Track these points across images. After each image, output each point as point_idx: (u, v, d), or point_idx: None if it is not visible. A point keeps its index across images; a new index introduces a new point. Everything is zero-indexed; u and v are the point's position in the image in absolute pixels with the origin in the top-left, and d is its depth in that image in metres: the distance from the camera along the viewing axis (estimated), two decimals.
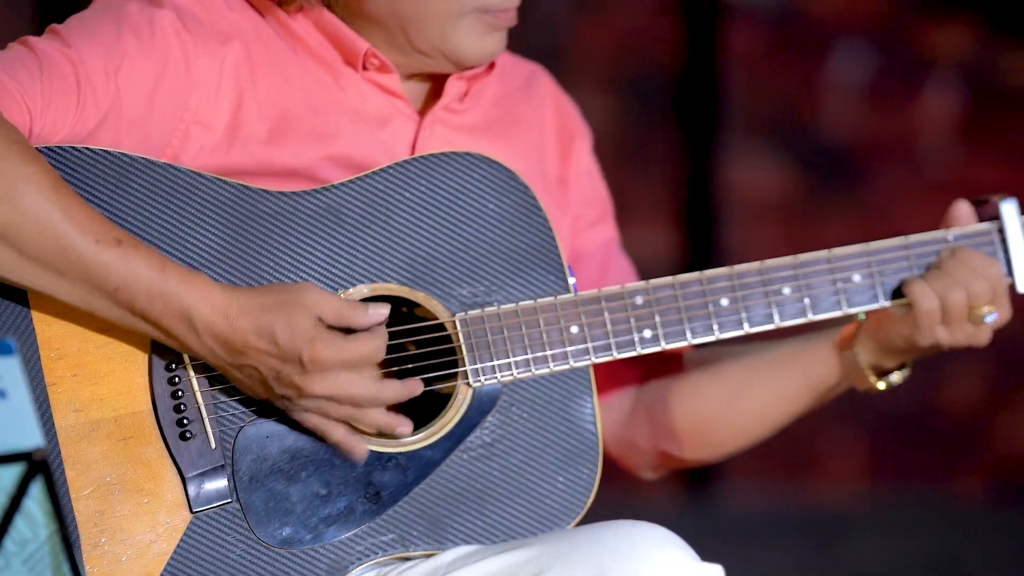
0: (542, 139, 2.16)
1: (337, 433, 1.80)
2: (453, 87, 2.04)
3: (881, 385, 1.99)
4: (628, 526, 1.79)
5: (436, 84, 2.09)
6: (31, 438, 1.15)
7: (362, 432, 1.81)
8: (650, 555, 1.68)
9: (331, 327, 1.77)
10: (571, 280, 1.92)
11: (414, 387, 1.81)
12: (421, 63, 2.05)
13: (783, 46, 5.94)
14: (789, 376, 2.09)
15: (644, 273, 2.05)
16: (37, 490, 1.17)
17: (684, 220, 5.75)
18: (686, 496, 5.16)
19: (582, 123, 2.23)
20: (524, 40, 2.20)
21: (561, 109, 2.20)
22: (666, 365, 2.18)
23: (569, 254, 2.13)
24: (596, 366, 2.12)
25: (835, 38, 5.93)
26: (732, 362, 2.14)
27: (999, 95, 5.88)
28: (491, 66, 2.06)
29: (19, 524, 1.19)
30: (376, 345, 1.81)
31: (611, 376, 2.17)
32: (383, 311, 1.82)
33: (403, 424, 1.83)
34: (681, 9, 5.86)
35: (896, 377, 1.99)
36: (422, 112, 2.07)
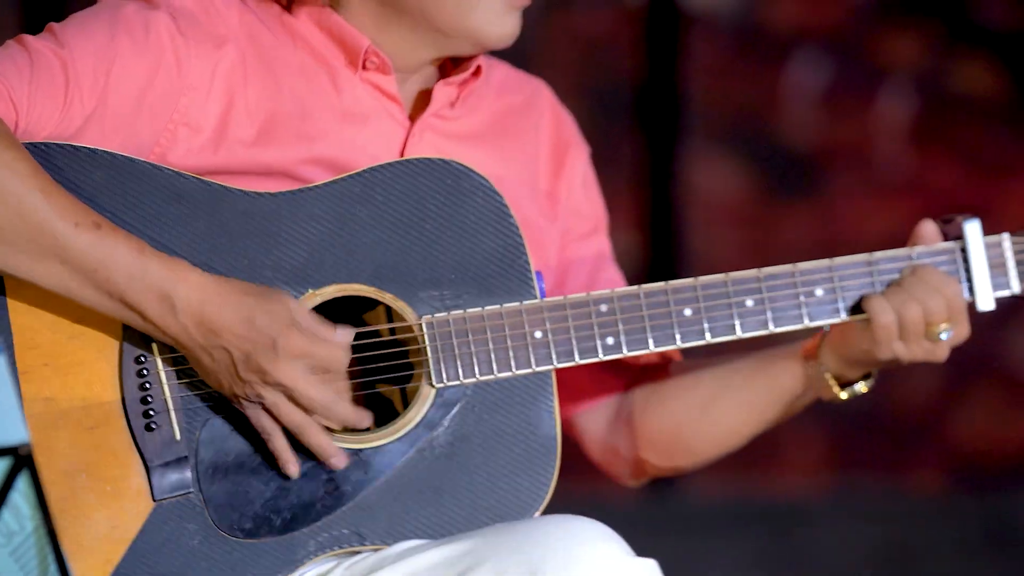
0: (536, 152, 2.17)
1: (278, 441, 1.81)
2: (442, 93, 2.05)
3: (844, 395, 2.00)
4: (564, 521, 1.80)
5: (431, 90, 2.10)
6: (16, 433, 1.16)
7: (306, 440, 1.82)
8: (584, 550, 1.69)
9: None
10: (541, 286, 1.93)
11: (364, 418, 1.83)
12: (443, 45, 2.05)
13: (742, 55, 5.95)
14: (757, 386, 2.10)
15: None
16: (23, 484, 1.18)
17: (647, 222, 5.76)
18: (649, 488, 5.16)
19: (579, 138, 2.24)
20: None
21: (559, 124, 2.21)
22: (650, 374, 2.19)
23: (558, 265, 2.15)
24: (581, 375, 2.14)
25: (792, 47, 5.95)
26: (705, 372, 2.16)
27: (950, 101, 5.91)
28: (478, 71, 2.07)
29: (5, 517, 1.20)
30: (340, 357, 1.82)
31: (596, 384, 2.18)
32: (349, 336, 1.83)
33: (337, 456, 1.85)
34: (643, 19, 5.88)
35: (860, 387, 2.00)
36: (413, 117, 2.08)
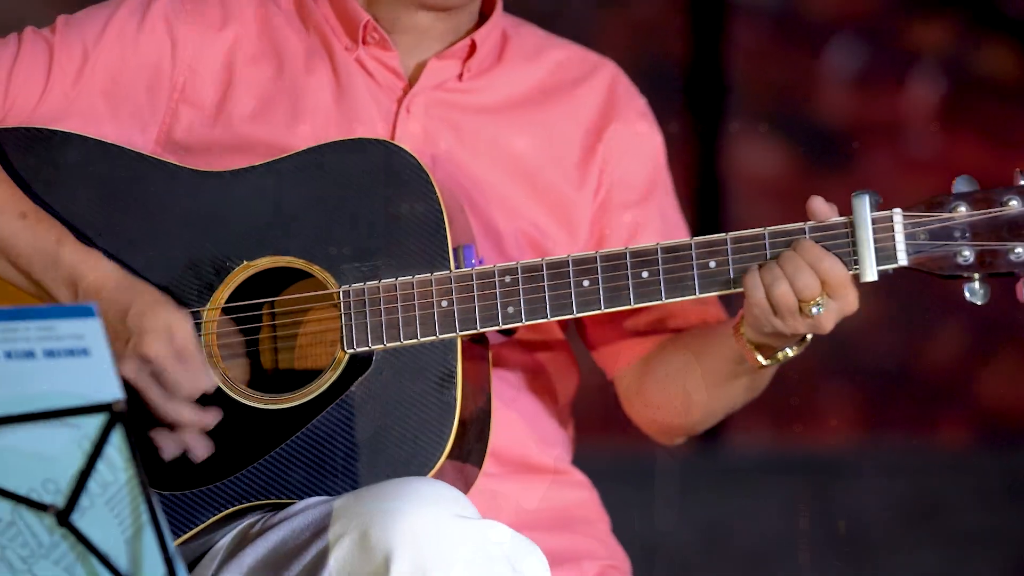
0: (575, 125, 2.13)
1: (152, 392, 1.79)
2: (437, 67, 2.03)
3: (765, 362, 1.94)
4: (407, 483, 1.76)
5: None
6: (112, 391, 1.16)
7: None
8: (408, 510, 1.63)
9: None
10: (470, 259, 1.91)
11: (208, 418, 1.82)
12: (393, 8, 2.02)
13: (782, 40, 5.92)
14: (712, 353, 2.06)
15: None
16: (117, 438, 1.18)
17: (694, 197, 5.75)
18: (694, 444, 5.16)
19: (632, 113, 2.19)
20: (556, 32, 2.19)
21: (612, 100, 2.17)
22: (667, 341, 2.15)
23: (591, 230, 2.11)
24: (616, 339, 2.11)
25: (828, 33, 5.89)
26: (683, 337, 2.13)
27: (976, 83, 5.83)
28: (472, 47, 2.04)
29: (101, 468, 1.19)
30: (186, 381, 1.80)
31: (628, 347, 2.16)
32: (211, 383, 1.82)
33: (200, 447, 1.84)
34: (690, 6, 5.86)
35: (780, 355, 1.94)
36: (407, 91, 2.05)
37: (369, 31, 1.99)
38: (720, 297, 1.98)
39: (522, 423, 2.12)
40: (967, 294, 1.77)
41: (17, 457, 1.18)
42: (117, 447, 1.18)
